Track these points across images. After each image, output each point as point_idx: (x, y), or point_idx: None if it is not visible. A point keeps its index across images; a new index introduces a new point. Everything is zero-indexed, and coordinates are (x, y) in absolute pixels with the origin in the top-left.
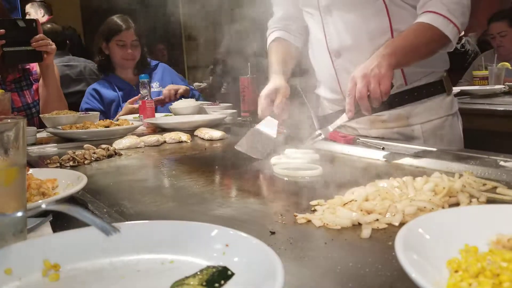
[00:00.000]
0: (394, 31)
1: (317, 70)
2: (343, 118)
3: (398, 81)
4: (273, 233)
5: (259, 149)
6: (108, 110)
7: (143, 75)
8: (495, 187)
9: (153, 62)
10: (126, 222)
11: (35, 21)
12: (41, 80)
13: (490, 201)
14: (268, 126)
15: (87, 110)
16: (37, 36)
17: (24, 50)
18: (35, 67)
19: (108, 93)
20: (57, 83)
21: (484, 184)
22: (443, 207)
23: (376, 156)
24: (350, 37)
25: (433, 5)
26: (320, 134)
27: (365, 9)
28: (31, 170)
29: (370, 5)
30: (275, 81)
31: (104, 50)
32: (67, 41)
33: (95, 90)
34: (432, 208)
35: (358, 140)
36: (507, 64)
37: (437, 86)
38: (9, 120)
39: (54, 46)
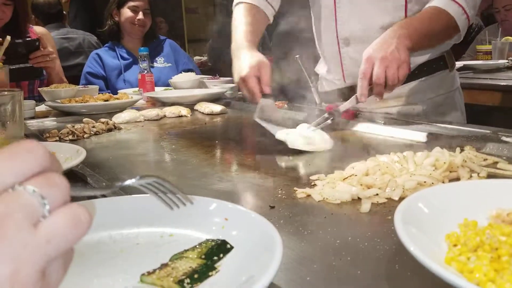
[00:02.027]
0: None
1: (321, 52)
2: (353, 101)
3: None
4: (272, 207)
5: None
6: (110, 77)
7: (142, 48)
8: (496, 162)
9: (161, 37)
10: (125, 196)
11: (38, 40)
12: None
13: (490, 176)
14: (269, 112)
15: (88, 73)
16: (36, 52)
17: (21, 68)
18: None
19: (110, 60)
20: (61, 79)
21: (485, 159)
22: (443, 182)
23: (377, 131)
24: (362, 28)
25: None
26: (330, 118)
27: (384, 2)
28: None
29: None
30: (254, 55)
31: (114, 16)
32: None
33: (97, 54)
34: (432, 183)
35: (358, 115)
36: (511, 39)
37: (439, 62)
38: (5, 93)
39: (54, 61)
